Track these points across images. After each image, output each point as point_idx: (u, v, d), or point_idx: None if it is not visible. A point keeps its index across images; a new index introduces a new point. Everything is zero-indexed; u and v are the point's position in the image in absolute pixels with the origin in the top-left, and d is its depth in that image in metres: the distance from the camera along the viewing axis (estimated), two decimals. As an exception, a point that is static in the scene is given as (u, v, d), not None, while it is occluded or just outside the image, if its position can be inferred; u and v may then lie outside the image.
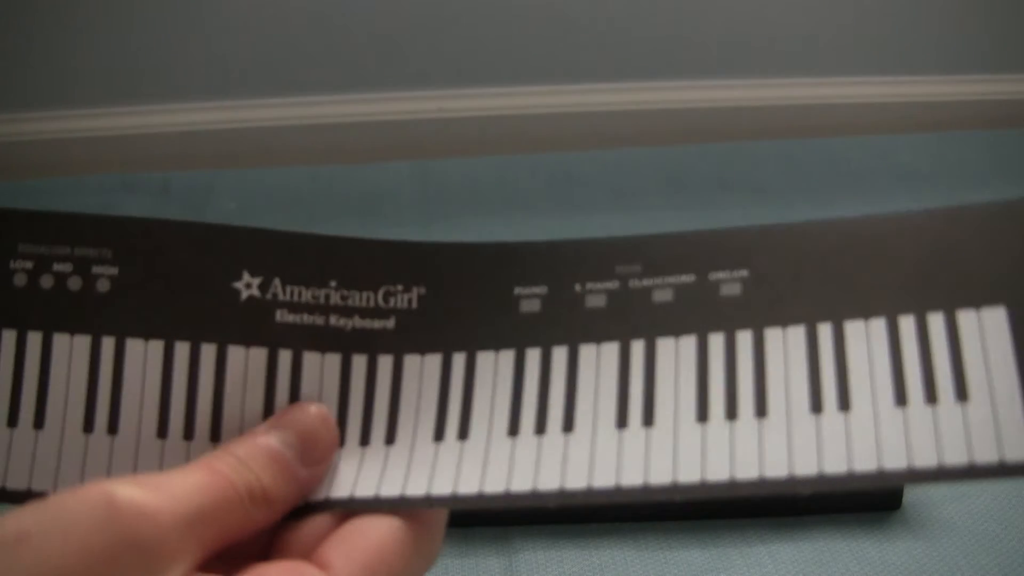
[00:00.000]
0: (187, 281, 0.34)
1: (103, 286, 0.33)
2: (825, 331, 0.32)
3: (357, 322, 0.34)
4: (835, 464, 0.30)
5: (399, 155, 1.22)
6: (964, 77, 1.32)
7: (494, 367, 0.33)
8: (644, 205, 0.99)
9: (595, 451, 0.31)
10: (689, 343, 0.32)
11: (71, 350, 0.33)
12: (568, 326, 0.33)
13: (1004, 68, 1.33)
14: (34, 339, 0.33)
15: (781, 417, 0.31)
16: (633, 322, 0.33)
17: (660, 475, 0.30)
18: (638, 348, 0.33)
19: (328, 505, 0.31)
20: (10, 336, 0.33)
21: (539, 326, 0.34)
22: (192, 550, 0.27)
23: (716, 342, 0.32)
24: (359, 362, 0.34)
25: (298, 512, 0.31)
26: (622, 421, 0.32)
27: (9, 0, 1.16)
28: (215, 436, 0.33)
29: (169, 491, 0.27)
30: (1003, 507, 0.64)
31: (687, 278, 0.33)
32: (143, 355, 0.33)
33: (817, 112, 1.30)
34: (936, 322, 0.31)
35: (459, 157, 1.21)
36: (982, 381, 0.30)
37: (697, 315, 0.33)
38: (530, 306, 0.34)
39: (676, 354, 0.32)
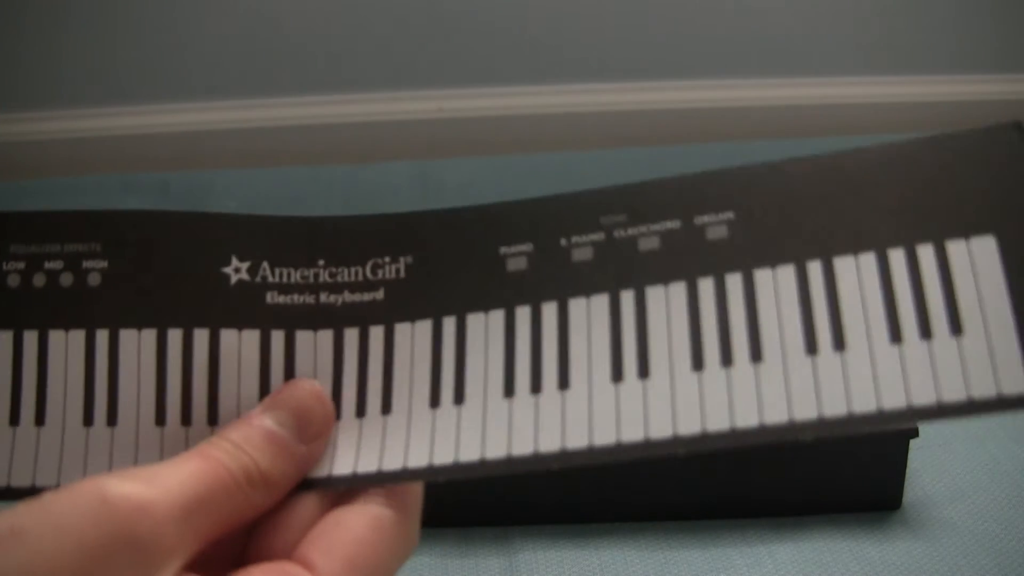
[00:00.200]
0: (176, 269, 0.34)
1: (94, 280, 0.34)
2: (815, 269, 0.31)
3: (347, 297, 0.34)
4: (834, 406, 0.29)
5: (399, 155, 1.22)
6: (965, 77, 1.32)
7: (485, 328, 0.33)
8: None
9: (593, 408, 0.31)
10: (679, 290, 0.32)
11: (66, 346, 0.33)
12: (556, 281, 0.33)
13: (1005, 68, 1.32)
14: (30, 338, 0.33)
15: (777, 361, 0.31)
16: (621, 272, 0.33)
17: (660, 429, 0.30)
18: (628, 298, 0.32)
19: (331, 483, 0.31)
20: (7, 337, 0.33)
21: (527, 283, 0.33)
22: (189, 540, 0.27)
23: (706, 287, 0.32)
24: (351, 336, 0.34)
25: (298, 490, 0.31)
26: (617, 375, 0.32)
27: (7, 0, 1.16)
28: (213, 420, 0.33)
29: (162, 482, 0.27)
30: (1003, 507, 0.64)
31: (672, 224, 0.33)
32: (137, 345, 0.33)
33: (817, 112, 1.30)
34: (926, 254, 0.31)
35: (459, 157, 1.21)
36: (975, 313, 0.30)
37: (685, 261, 0.32)
38: (517, 264, 0.34)
39: (667, 302, 0.32)
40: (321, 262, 0.34)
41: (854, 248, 0.31)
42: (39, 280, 0.34)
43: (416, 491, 0.32)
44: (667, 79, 1.29)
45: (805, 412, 0.30)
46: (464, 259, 0.34)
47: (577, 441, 0.31)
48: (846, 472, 0.63)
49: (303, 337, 0.34)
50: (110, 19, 1.18)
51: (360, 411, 0.33)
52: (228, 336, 0.33)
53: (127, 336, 0.33)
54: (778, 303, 0.31)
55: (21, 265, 0.34)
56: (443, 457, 0.31)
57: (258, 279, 0.34)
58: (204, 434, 0.32)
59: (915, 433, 0.61)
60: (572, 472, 0.65)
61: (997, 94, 1.32)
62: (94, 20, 1.18)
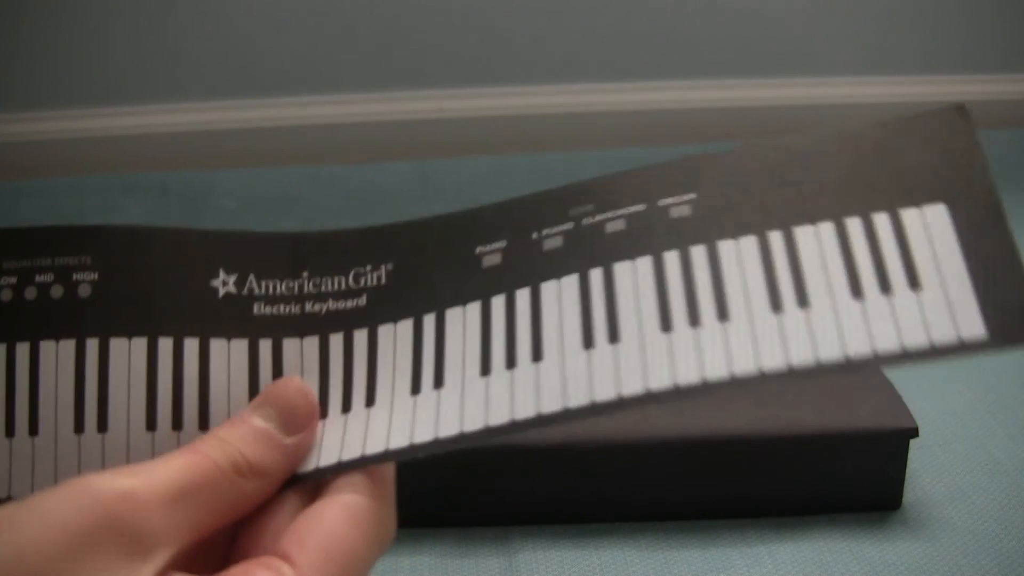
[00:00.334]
0: (166, 282, 0.35)
1: (84, 291, 0.34)
2: (776, 238, 0.33)
3: (331, 305, 0.35)
4: (801, 356, 0.30)
5: (399, 155, 1.22)
6: (965, 77, 1.32)
7: (463, 320, 0.34)
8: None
9: (566, 373, 0.32)
10: (645, 263, 0.33)
11: (57, 356, 0.34)
12: (529, 270, 0.34)
13: (1006, 68, 1.32)
14: (22, 350, 0.34)
15: (743, 319, 0.32)
16: (590, 254, 0.34)
17: (632, 386, 0.31)
18: (596, 275, 0.34)
19: (318, 474, 0.32)
20: (0, 351, 0.34)
21: (502, 276, 0.35)
22: (178, 529, 0.28)
23: (671, 259, 0.33)
24: (336, 341, 0.35)
25: (286, 487, 0.32)
26: (588, 341, 0.32)
27: (6, 0, 1.16)
28: (203, 425, 0.34)
29: (148, 474, 0.28)
30: (1003, 507, 0.64)
31: (637, 208, 0.34)
32: (127, 352, 0.34)
33: (817, 112, 1.30)
34: (882, 221, 0.32)
35: (459, 157, 1.21)
36: (932, 270, 0.31)
37: (650, 238, 0.34)
38: (492, 260, 0.35)
39: (634, 274, 0.33)
40: (305, 273, 0.36)
41: (812, 219, 0.33)
42: (30, 293, 0.34)
43: (388, 479, 0.32)
44: (667, 79, 1.29)
45: (773, 362, 0.30)
46: (442, 262, 0.35)
47: (551, 405, 0.31)
48: (846, 472, 0.63)
49: (290, 344, 0.35)
50: (109, 19, 1.18)
51: (346, 408, 0.34)
52: (217, 345, 0.34)
53: (117, 345, 0.34)
54: (742, 269, 0.33)
55: (13, 280, 0.34)
56: (423, 435, 0.32)
57: (245, 291, 0.35)
58: (195, 438, 0.33)
59: (915, 433, 0.61)
60: (572, 472, 0.65)
61: (998, 94, 1.32)
62: (93, 20, 1.18)
